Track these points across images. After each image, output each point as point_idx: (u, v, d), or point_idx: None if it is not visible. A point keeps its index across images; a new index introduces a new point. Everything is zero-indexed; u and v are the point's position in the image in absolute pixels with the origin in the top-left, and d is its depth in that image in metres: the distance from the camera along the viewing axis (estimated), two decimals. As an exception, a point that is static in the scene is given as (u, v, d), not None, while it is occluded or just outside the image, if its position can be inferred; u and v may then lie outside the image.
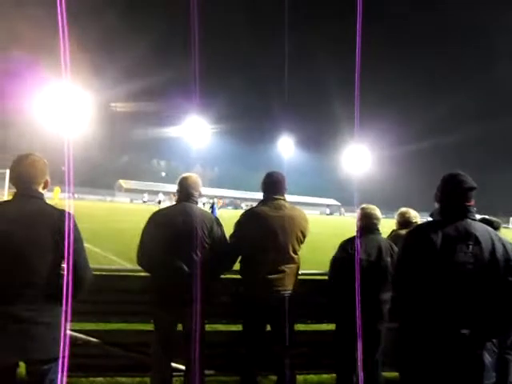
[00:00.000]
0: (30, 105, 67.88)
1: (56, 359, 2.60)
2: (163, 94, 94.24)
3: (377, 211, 4.08)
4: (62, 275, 2.61)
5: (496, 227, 4.03)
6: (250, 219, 3.92)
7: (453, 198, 2.79)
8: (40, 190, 2.74)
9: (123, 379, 4.18)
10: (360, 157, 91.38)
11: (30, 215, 2.60)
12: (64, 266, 2.61)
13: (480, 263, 2.61)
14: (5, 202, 2.74)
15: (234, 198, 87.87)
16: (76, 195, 62.22)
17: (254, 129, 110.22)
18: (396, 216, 4.83)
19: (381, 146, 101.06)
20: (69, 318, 2.66)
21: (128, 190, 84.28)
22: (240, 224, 3.92)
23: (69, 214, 2.63)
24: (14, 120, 66.66)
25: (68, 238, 2.52)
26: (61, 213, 2.64)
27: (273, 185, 3.95)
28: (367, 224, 4.02)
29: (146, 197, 65.76)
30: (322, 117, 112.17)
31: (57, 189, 35.03)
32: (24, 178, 2.69)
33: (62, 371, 2.60)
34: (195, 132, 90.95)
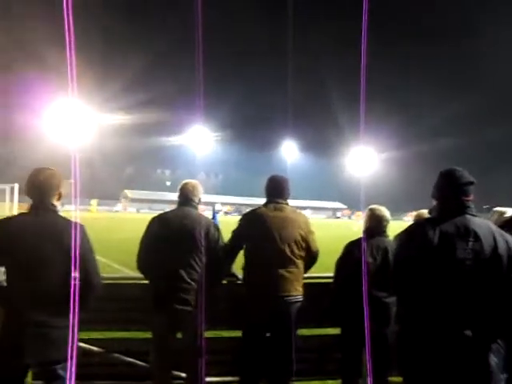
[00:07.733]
0: (37, 119, 68.58)
1: (66, 360, 2.68)
2: (166, 104, 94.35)
3: (386, 213, 3.97)
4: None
5: None
6: (248, 220, 3.92)
7: (450, 194, 2.67)
8: (55, 202, 2.85)
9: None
10: (365, 159, 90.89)
11: (42, 227, 2.74)
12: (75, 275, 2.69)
13: (480, 260, 2.49)
14: (21, 214, 2.90)
15: (239, 204, 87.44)
16: (83, 206, 62.45)
17: (257, 135, 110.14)
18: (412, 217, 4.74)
19: (386, 147, 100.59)
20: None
21: (134, 200, 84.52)
22: (239, 225, 3.91)
23: (78, 224, 2.73)
24: (20, 135, 67.49)
25: (74, 246, 2.58)
26: (70, 223, 2.73)
27: (275, 189, 3.92)
28: (375, 226, 3.92)
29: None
30: (325, 120, 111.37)
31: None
32: (40, 190, 2.80)
33: (71, 370, 2.69)
34: (199, 140, 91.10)
